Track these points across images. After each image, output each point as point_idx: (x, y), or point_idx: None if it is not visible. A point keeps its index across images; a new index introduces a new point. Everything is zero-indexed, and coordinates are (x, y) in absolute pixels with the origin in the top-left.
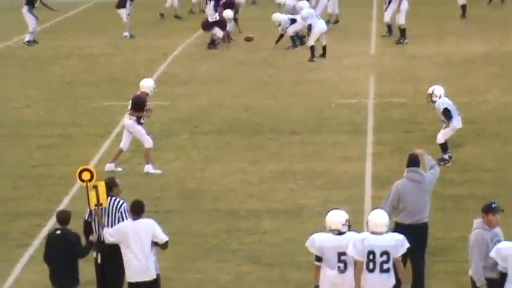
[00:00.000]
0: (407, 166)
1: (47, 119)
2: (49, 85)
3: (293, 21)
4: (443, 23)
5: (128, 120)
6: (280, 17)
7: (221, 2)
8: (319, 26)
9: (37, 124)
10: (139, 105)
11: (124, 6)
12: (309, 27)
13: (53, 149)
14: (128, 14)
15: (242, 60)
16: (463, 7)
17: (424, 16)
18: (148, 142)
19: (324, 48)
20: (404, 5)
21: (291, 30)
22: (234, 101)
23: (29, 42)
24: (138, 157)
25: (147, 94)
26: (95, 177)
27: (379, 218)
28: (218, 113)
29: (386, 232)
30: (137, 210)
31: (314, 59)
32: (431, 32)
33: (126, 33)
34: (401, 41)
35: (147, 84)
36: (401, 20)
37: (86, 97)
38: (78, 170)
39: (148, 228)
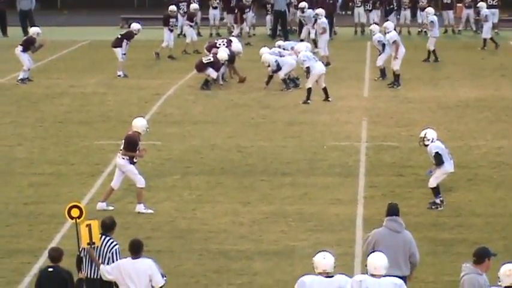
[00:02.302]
0: (387, 215)
1: (39, 157)
2: (42, 123)
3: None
4: (437, 67)
5: (121, 160)
6: (268, 57)
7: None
8: (318, 68)
9: (29, 162)
10: (131, 145)
11: (120, 46)
12: (307, 70)
13: (44, 187)
14: (124, 54)
15: (235, 101)
16: (432, 52)
17: (417, 60)
18: (140, 182)
19: (325, 90)
20: (402, 51)
21: (282, 73)
22: (226, 142)
23: (22, 80)
24: (129, 196)
25: (139, 134)
26: (84, 214)
27: (378, 260)
28: (210, 154)
29: (385, 275)
30: (136, 249)
31: (309, 101)
32: (424, 76)
33: (120, 73)
34: (395, 85)
35: (139, 124)
36: (396, 65)
37: (78, 136)
38: (67, 207)
39: (146, 269)
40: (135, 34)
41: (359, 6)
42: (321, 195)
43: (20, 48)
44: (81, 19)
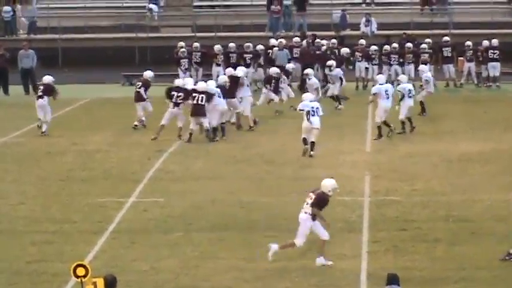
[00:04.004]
0: (386, 284)
1: (41, 215)
2: (44, 181)
3: None
4: (439, 121)
5: (304, 215)
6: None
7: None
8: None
9: (32, 221)
10: (322, 203)
11: (143, 100)
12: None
13: (47, 245)
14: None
15: (237, 157)
16: (420, 103)
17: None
18: (325, 235)
19: (312, 144)
20: (381, 104)
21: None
22: (228, 198)
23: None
24: (132, 254)
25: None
26: (89, 272)
27: None
28: (213, 210)
29: None
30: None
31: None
32: (427, 130)
33: (137, 123)
34: (386, 135)
35: (328, 184)
36: (376, 116)
37: (80, 193)
38: (73, 266)
39: None
40: (150, 81)
41: (360, 61)
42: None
43: (45, 99)
44: (82, 77)
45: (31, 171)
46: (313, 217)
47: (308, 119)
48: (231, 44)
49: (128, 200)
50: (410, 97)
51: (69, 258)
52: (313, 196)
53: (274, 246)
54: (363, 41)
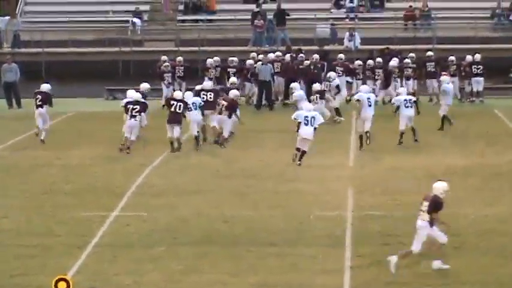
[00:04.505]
0: None
1: (25, 229)
2: (28, 195)
3: None
4: (423, 135)
5: (422, 222)
6: None
7: None
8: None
9: (15, 234)
10: (437, 206)
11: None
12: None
13: (31, 259)
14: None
15: (221, 171)
16: (444, 118)
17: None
18: (442, 238)
19: (302, 154)
20: (363, 112)
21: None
22: (212, 212)
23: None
24: (114, 268)
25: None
26: (71, 287)
27: None
28: (196, 224)
29: None
30: None
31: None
32: (411, 144)
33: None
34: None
35: (439, 186)
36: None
37: (63, 207)
38: (54, 280)
39: None
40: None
41: (340, 76)
42: (308, 265)
43: (44, 108)
44: (66, 91)
45: (14, 185)
46: (431, 223)
47: (300, 129)
48: (215, 58)
49: (111, 214)
50: (407, 107)
51: (52, 271)
52: (427, 203)
53: (394, 258)
54: (341, 56)
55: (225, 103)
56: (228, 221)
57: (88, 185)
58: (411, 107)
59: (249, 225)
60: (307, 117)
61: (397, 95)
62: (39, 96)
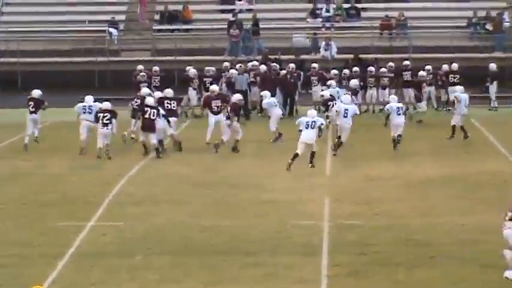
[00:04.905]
0: None
1: (1, 239)
2: (4, 205)
3: None
4: (400, 144)
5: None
6: None
7: None
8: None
9: None
10: None
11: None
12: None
13: (7, 268)
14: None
15: (198, 180)
16: (460, 128)
17: (381, 138)
18: None
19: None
20: (340, 121)
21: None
22: (188, 221)
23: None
24: (91, 277)
25: None
26: None
27: None
28: (173, 233)
29: None
30: None
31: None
32: (387, 153)
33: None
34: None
35: None
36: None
37: (40, 217)
38: None
39: None
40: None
41: (316, 85)
42: (285, 274)
43: (38, 114)
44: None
45: None
46: None
47: (301, 135)
48: (190, 68)
49: (88, 224)
50: (399, 115)
51: (28, 282)
52: (510, 213)
53: (510, 273)
54: (315, 65)
55: (228, 107)
56: (205, 230)
57: (64, 194)
58: (403, 114)
59: (226, 234)
60: (308, 122)
61: (387, 103)
62: (32, 103)
